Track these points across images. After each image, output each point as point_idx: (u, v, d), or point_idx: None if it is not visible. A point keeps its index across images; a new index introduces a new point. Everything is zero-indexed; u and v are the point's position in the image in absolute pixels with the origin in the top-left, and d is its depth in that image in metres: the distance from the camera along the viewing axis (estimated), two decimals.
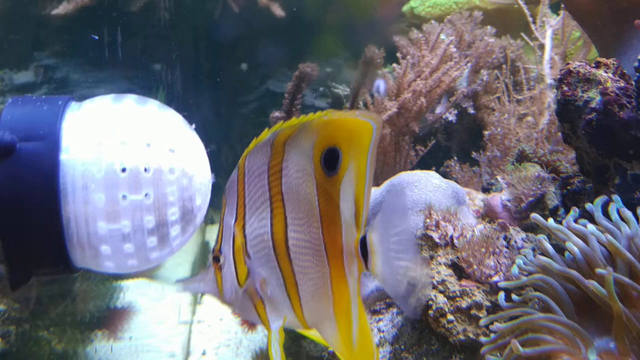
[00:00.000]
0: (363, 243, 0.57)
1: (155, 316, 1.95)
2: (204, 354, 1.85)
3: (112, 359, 1.75)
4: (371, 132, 0.56)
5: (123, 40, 2.37)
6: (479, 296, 0.88)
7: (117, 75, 2.36)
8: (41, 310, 1.65)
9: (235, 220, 0.59)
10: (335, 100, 2.52)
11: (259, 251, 0.59)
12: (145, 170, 0.63)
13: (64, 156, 0.62)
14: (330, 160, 0.57)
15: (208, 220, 2.75)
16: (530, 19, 1.74)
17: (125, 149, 0.63)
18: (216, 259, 0.61)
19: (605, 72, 0.89)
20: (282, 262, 0.59)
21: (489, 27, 1.92)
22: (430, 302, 0.89)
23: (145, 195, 0.63)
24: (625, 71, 0.90)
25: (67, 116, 0.65)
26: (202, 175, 0.69)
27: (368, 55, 1.36)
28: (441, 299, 0.89)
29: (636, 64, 0.82)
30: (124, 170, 0.63)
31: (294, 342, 1.51)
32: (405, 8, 2.32)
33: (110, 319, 1.86)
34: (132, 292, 2.01)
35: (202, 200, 0.69)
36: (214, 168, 0.83)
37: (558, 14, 1.74)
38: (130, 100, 0.70)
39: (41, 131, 0.62)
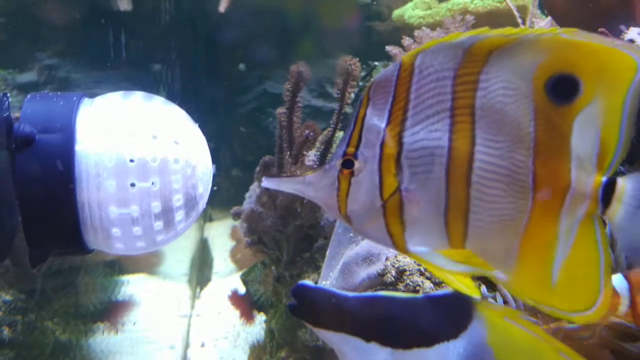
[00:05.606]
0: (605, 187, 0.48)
1: (155, 309, 2.00)
2: (202, 345, 1.90)
3: (113, 349, 1.80)
4: (634, 69, 0.46)
5: (124, 41, 2.41)
6: None
7: (118, 76, 2.40)
8: (45, 301, 1.70)
9: (388, 124, 0.50)
10: (332, 99, 2.59)
11: (420, 165, 0.50)
12: (152, 160, 0.69)
13: (78, 147, 0.68)
14: (563, 89, 0.47)
15: (207, 218, 2.80)
16: (519, 20, 1.79)
17: (133, 140, 0.69)
18: (348, 164, 0.51)
19: None
20: (454, 184, 0.49)
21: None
22: (418, 288, 0.95)
23: (152, 183, 0.69)
24: None
25: (81, 111, 0.70)
26: (204, 165, 0.74)
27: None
28: (428, 284, 0.96)
29: None
30: (132, 160, 0.69)
31: (290, 332, 1.56)
32: (395, 16, 2.35)
33: (112, 311, 1.91)
34: (133, 286, 2.05)
35: (204, 188, 0.75)
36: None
37: (547, 15, 1.79)
38: (138, 96, 0.76)
39: (58, 124, 0.68)
